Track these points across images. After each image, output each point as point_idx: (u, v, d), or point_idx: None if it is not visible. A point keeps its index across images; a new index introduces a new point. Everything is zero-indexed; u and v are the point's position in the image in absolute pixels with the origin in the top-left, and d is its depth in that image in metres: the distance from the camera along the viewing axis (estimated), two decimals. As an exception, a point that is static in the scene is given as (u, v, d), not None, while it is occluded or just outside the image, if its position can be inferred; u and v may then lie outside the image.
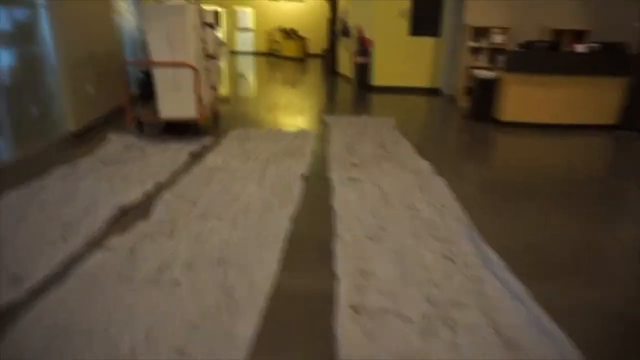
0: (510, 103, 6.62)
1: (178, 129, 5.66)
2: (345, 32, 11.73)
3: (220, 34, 22.82)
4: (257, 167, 4.50)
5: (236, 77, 13.10)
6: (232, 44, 21.23)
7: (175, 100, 5.26)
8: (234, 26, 21.13)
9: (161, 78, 5.21)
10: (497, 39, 8.13)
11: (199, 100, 5.28)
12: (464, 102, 8.37)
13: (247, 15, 21.39)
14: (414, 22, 9.70)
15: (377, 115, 7.40)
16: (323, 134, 5.95)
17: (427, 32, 9.78)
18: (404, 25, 9.68)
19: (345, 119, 6.89)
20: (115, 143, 5.21)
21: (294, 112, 7.81)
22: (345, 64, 12.15)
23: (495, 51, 8.26)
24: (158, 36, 5.04)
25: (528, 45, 6.80)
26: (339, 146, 5.28)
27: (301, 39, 18.50)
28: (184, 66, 5.13)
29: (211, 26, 6.52)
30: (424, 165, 4.74)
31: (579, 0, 8.00)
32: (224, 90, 9.96)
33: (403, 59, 9.89)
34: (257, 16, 20.71)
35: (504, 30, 8.09)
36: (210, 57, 6.55)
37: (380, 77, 10.04)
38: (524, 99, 6.58)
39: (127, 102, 5.51)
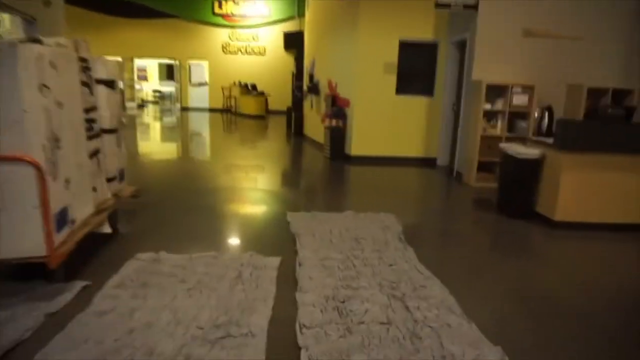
0: (568, 196, 4.44)
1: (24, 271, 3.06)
2: (313, 89, 9.64)
3: (173, 89, 20.62)
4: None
5: (167, 141, 10.64)
6: (184, 100, 18.97)
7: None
8: (187, 81, 18.96)
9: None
10: (519, 99, 6.12)
11: (47, 222, 2.74)
12: (475, 181, 6.21)
13: (202, 69, 19.34)
14: (402, 78, 7.70)
15: (366, 206, 5.09)
16: (288, 264, 3.50)
17: (418, 90, 7.78)
18: (390, 81, 7.64)
19: (320, 220, 4.50)
20: None
21: (243, 205, 5.37)
22: (314, 126, 9.97)
23: (515, 115, 6.25)
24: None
25: (593, 113, 4.77)
26: (319, 304, 2.79)
27: (261, 95, 16.45)
28: (17, 161, 2.65)
29: (109, 84, 4.13)
30: None
31: (618, 55, 6.19)
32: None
33: (389, 123, 7.77)
34: (212, 70, 18.68)
35: (527, 88, 6.11)
36: (108, 131, 4.12)
37: (359, 144, 7.85)
38: (590, 190, 4.43)
39: None
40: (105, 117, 4.05)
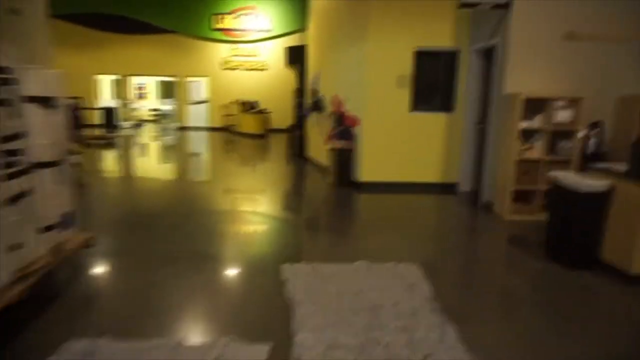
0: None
1: None
2: (317, 106, 8.68)
3: (170, 107, 19.80)
4: None
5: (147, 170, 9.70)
6: (182, 119, 18.13)
7: None
8: (185, 99, 18.13)
9: None
10: (561, 115, 5.10)
11: None
12: (509, 213, 5.16)
13: (200, 87, 18.53)
14: (418, 92, 6.72)
15: (380, 249, 4.06)
16: (280, 355, 2.46)
17: (435, 106, 6.79)
18: (403, 97, 6.66)
19: (324, 277, 3.46)
20: None
21: (228, 252, 4.35)
22: (318, 147, 8.98)
23: (555, 135, 5.22)
24: None
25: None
26: None
27: (261, 112, 15.54)
28: None
29: (46, 103, 3.16)
30: None
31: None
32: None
33: (403, 144, 6.76)
34: (212, 87, 17.85)
35: (573, 102, 5.09)
36: (43, 165, 3.14)
37: (369, 169, 6.82)
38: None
39: None
40: (39, 147, 3.07)
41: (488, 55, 6.24)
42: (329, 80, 8.27)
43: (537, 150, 5.19)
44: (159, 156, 11.32)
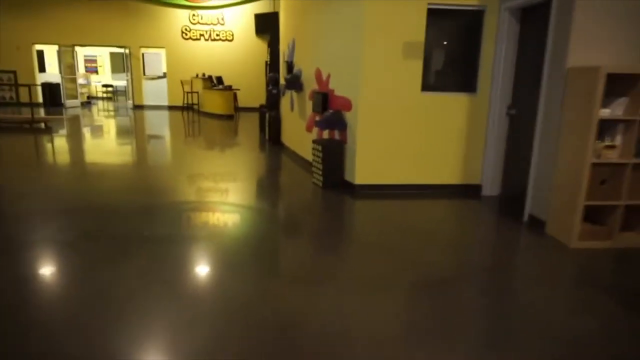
0: None
1: None
2: (293, 83, 6.90)
3: (125, 82, 17.51)
4: None
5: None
6: (138, 97, 15.94)
7: None
8: (140, 73, 15.91)
9: None
10: (654, 100, 3.53)
11: None
12: (577, 238, 3.63)
13: (159, 59, 16.33)
14: (432, 66, 5.06)
15: (384, 300, 2.47)
16: None
17: (454, 84, 5.15)
18: (413, 71, 4.98)
19: None
20: None
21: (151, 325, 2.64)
22: (297, 134, 7.26)
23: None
24: None
25: None
26: None
27: (229, 89, 13.59)
28: None
29: None
30: None
31: None
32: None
33: (411, 135, 5.13)
34: (171, 60, 15.68)
35: (671, 80, 3.52)
36: None
37: (367, 168, 5.17)
38: None
39: None
40: None
41: (528, 16, 4.61)
42: (309, 49, 6.49)
43: (620, 149, 3.63)
44: (110, 140, 9.36)
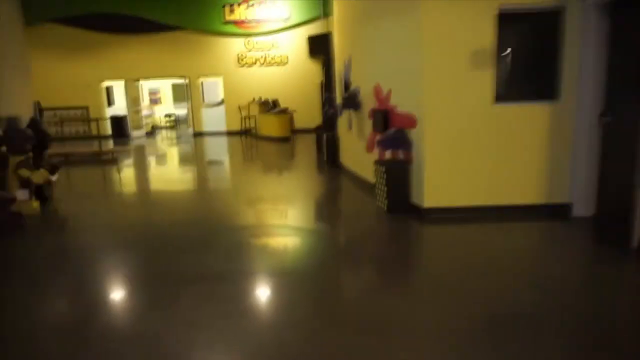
0: None
1: None
2: (351, 102, 6.60)
3: (185, 111, 18.12)
4: None
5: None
6: (197, 124, 16.39)
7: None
8: (199, 101, 16.37)
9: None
10: None
11: None
12: None
13: (216, 87, 16.73)
14: (505, 74, 4.55)
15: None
16: None
17: (532, 93, 4.61)
18: (482, 82, 4.51)
19: None
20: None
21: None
22: (356, 154, 6.93)
23: None
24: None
25: None
26: None
27: (284, 112, 13.57)
28: None
29: None
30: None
31: None
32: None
33: (484, 150, 4.61)
34: (228, 87, 16.02)
35: None
36: None
37: (436, 190, 4.70)
38: None
39: None
40: None
41: (620, 9, 4.02)
42: (365, 67, 6.17)
43: None
44: (171, 168, 9.53)
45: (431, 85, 4.52)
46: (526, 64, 4.63)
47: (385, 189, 4.98)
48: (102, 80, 16.06)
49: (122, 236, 4.66)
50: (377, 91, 5.64)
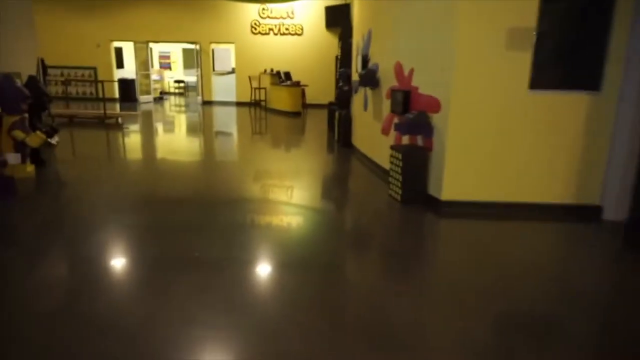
0: None
1: None
2: (369, 80, 6.16)
3: (195, 78, 17.66)
4: None
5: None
6: (207, 92, 15.96)
7: None
8: (209, 69, 15.90)
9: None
10: None
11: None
12: None
13: (228, 55, 16.23)
14: (544, 58, 4.09)
15: None
16: None
17: (572, 81, 4.16)
18: (519, 64, 4.06)
19: None
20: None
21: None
22: (370, 136, 6.55)
23: None
24: None
25: None
26: None
27: (297, 85, 13.10)
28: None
29: None
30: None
31: None
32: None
33: (515, 142, 4.21)
34: (240, 55, 15.51)
35: None
36: None
37: (457, 182, 4.33)
38: None
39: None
40: None
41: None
42: (387, 42, 5.72)
43: None
44: (175, 137, 9.20)
45: (461, 65, 4.09)
46: (568, 47, 4.17)
47: (401, 177, 4.61)
48: (112, 41, 15.59)
49: (117, 207, 4.36)
50: (398, 69, 5.21)
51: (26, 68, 6.96)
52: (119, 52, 16.55)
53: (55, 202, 4.66)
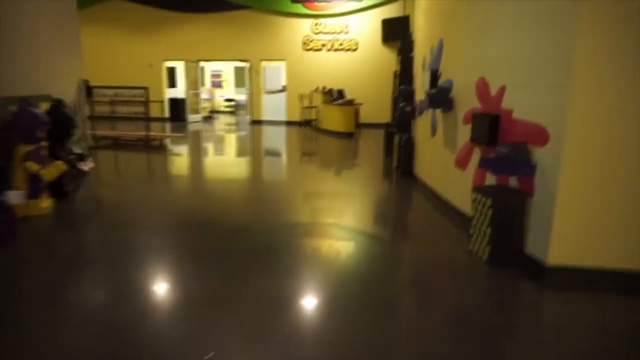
0: None
1: None
2: (439, 99, 5.04)
3: (245, 97, 17.22)
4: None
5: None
6: (256, 111, 15.40)
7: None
8: (259, 87, 15.35)
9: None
10: None
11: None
12: None
13: (279, 72, 15.61)
14: None
15: None
16: None
17: None
18: (679, 79, 2.84)
19: None
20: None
21: None
22: (440, 168, 5.42)
23: None
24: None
25: None
26: None
27: (349, 104, 12.15)
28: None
29: None
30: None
31: None
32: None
33: (660, 190, 2.96)
34: (291, 73, 14.86)
35: None
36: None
37: (570, 240, 3.11)
38: None
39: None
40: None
41: None
42: (463, 53, 4.62)
43: None
44: (222, 159, 8.51)
45: (581, 83, 2.93)
46: None
47: (489, 229, 3.46)
48: (165, 60, 15.46)
49: (147, 245, 3.51)
50: (481, 87, 4.09)
51: (69, 92, 6.44)
52: (171, 71, 16.42)
53: (63, 249, 3.90)
